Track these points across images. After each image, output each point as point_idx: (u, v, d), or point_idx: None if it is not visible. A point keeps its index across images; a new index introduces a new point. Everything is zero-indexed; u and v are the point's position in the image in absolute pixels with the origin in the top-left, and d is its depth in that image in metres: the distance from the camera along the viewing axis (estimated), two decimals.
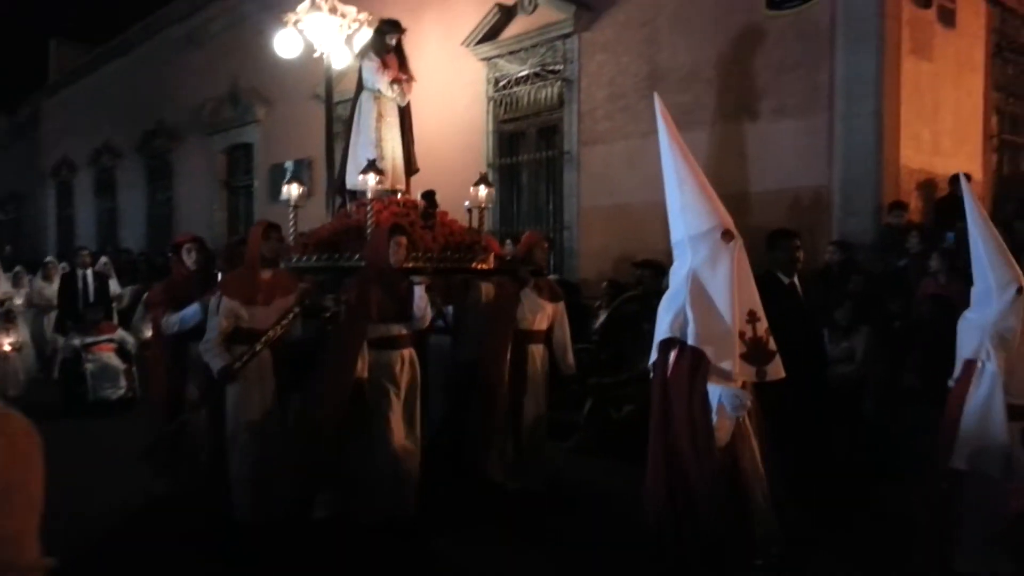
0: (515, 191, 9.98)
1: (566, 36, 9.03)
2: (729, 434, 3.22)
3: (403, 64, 5.84)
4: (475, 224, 5.73)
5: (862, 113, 6.91)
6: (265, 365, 4.41)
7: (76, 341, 8.20)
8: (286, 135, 13.07)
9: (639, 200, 8.26)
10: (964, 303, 5.60)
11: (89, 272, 9.74)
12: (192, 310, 4.72)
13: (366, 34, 8.31)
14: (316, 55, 8.28)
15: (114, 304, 9.82)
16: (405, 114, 5.88)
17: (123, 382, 8.11)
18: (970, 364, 3.70)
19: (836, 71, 7.01)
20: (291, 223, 5.57)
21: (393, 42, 5.80)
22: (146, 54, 16.83)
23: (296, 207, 5.63)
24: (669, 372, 3.20)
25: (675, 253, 3.41)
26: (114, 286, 10.21)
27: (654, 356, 3.30)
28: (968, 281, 5.87)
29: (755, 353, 3.22)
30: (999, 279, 3.67)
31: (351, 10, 8.23)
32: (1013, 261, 3.75)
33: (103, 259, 11.06)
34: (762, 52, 7.45)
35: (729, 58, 7.67)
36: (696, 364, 3.12)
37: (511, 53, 9.64)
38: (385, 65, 5.68)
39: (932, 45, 7.39)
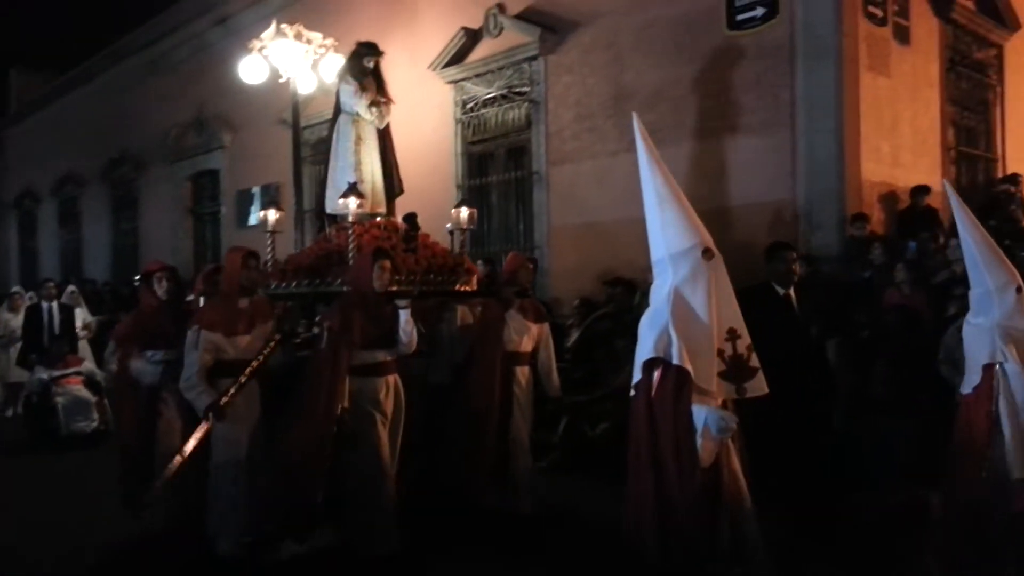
0: (485, 212, 10.00)
1: (532, 59, 9.11)
2: (713, 455, 3.20)
3: (381, 87, 5.80)
4: (456, 246, 5.69)
5: (823, 129, 7.05)
6: (252, 396, 4.31)
7: (44, 375, 8.04)
8: (253, 161, 13.01)
9: (608, 218, 8.32)
10: (928, 312, 5.72)
11: (55, 304, 9.57)
12: (151, 370, 4.57)
13: (332, 60, 8.35)
14: (282, 80, 8.29)
15: (84, 333, 9.64)
16: (384, 137, 5.83)
17: (95, 415, 7.95)
18: (988, 368, 3.66)
19: (797, 88, 7.15)
20: (268, 248, 5.48)
21: (371, 65, 5.77)
22: (109, 82, 16.69)
23: (274, 232, 5.54)
24: (653, 392, 3.18)
25: (655, 271, 3.41)
26: (84, 314, 10.03)
27: (637, 376, 3.27)
28: (930, 291, 6.01)
29: (735, 371, 3.22)
30: (996, 281, 3.67)
31: (317, 36, 8.27)
32: (1008, 262, 3.76)
33: (70, 288, 10.81)
34: (724, 71, 7.58)
35: (692, 78, 7.79)
36: (680, 384, 3.12)
37: (478, 76, 9.70)
38: (363, 88, 5.65)
39: (889, 61, 7.57)
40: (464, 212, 5.59)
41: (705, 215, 8.18)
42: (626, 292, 7.28)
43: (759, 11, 7.32)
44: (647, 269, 7.27)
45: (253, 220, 13.20)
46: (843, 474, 4.89)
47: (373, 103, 5.67)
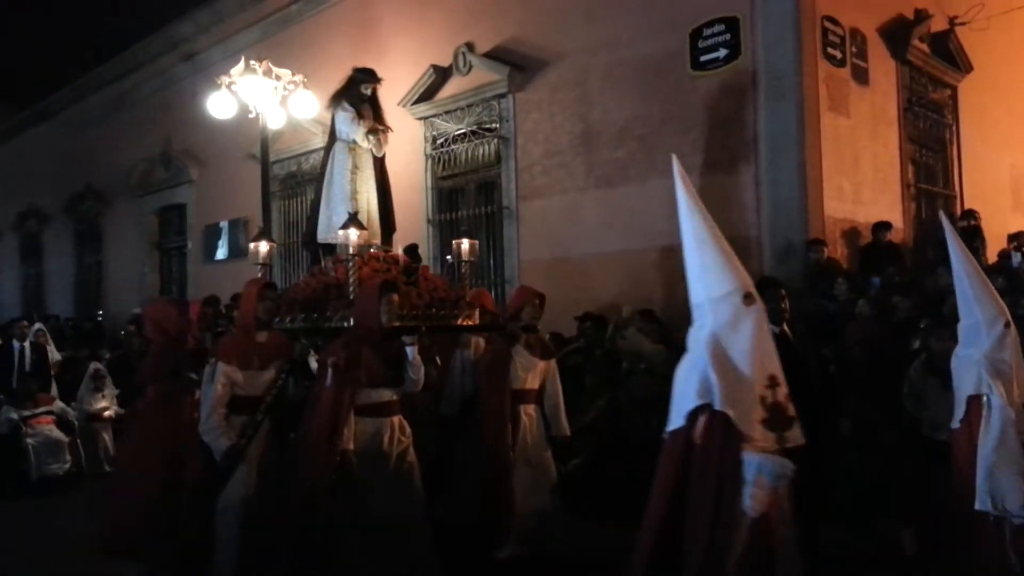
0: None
1: (501, 96, 9.21)
2: (765, 505, 3.01)
3: (378, 114, 5.65)
4: (458, 279, 5.49)
5: (786, 167, 7.19)
6: (264, 434, 4.20)
7: (13, 415, 7.66)
8: (220, 195, 12.92)
9: (578, 253, 8.38)
10: (892, 347, 5.81)
11: (27, 344, 9.33)
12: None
13: (301, 95, 8.37)
14: (251, 116, 8.28)
15: (52, 372, 9.36)
16: (381, 166, 5.67)
17: (67, 456, 7.64)
18: (974, 400, 3.67)
19: (760, 127, 7.29)
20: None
21: (368, 91, 5.63)
22: (74, 117, 16.53)
23: (264, 265, 5.30)
24: (698, 439, 3.04)
25: (695, 315, 3.29)
26: (52, 353, 9.77)
27: (677, 423, 3.13)
28: (894, 326, 6.11)
29: (776, 420, 3.10)
30: (986, 315, 3.71)
31: (286, 72, 8.28)
32: (997, 296, 3.81)
33: (37, 326, 10.52)
34: (690, 110, 7.72)
35: (659, 116, 7.92)
36: (728, 431, 3.00)
37: (447, 112, 9.77)
38: (360, 115, 5.49)
39: (848, 102, 7.78)
40: (465, 244, 5.38)
41: (671, 250, 8.24)
42: (596, 327, 7.30)
43: (721, 52, 7.49)
44: (618, 303, 7.34)
45: (220, 255, 13.08)
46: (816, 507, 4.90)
47: (371, 130, 5.50)
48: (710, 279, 3.24)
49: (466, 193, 9.91)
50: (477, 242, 5.51)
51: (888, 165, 8.37)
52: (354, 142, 5.51)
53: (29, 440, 7.53)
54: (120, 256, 15.45)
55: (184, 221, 14.13)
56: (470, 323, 5.26)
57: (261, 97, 8.18)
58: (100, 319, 14.84)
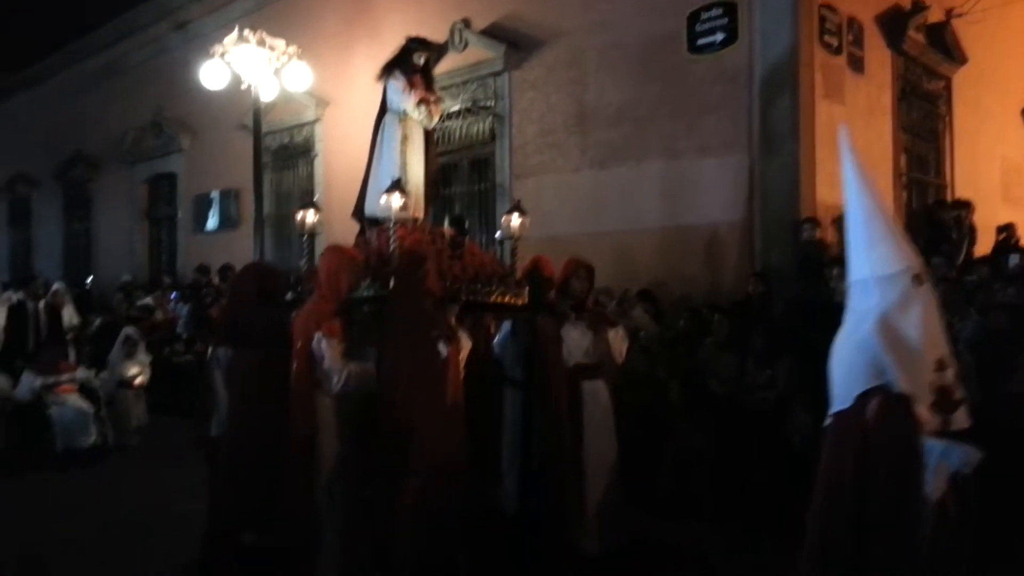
0: (447, 222, 9.99)
1: (496, 74, 9.16)
2: (943, 490, 2.93)
3: (430, 84, 5.50)
4: (507, 256, 5.22)
5: (780, 152, 7.21)
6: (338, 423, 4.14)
7: (36, 382, 7.21)
8: (212, 165, 12.85)
9: (570, 232, 8.37)
10: None
11: (41, 304, 8.95)
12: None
13: (295, 67, 8.30)
14: (243, 87, 8.21)
15: (68, 336, 8.91)
16: (429, 138, 5.54)
17: (93, 427, 7.20)
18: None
19: (754, 113, 7.30)
20: (305, 253, 5.12)
21: (421, 61, 5.46)
22: (64, 83, 16.35)
23: (313, 235, 5.09)
24: (872, 422, 2.93)
25: (853, 292, 3.13)
26: (71, 314, 9.34)
27: (843, 404, 3.02)
28: None
29: (942, 403, 2.99)
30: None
31: (280, 43, 8.22)
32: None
33: (56, 286, 9.97)
34: (685, 93, 7.71)
35: (654, 99, 7.91)
36: (909, 414, 2.89)
37: (442, 89, 9.64)
38: (412, 85, 5.33)
39: (843, 90, 7.78)
40: (516, 219, 5.08)
41: (665, 232, 8.31)
42: None
43: (719, 36, 7.47)
44: (611, 283, 7.36)
45: (211, 225, 13.03)
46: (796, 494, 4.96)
47: (422, 101, 5.32)
48: (877, 256, 3.06)
49: (459, 170, 9.89)
50: (528, 218, 5.17)
51: (881, 154, 8.40)
52: (404, 113, 5.36)
53: (52, 409, 7.09)
54: (109, 223, 15.37)
55: (174, 190, 14.05)
56: (517, 302, 4.88)
57: (254, 68, 8.11)
58: (88, 286, 14.78)
